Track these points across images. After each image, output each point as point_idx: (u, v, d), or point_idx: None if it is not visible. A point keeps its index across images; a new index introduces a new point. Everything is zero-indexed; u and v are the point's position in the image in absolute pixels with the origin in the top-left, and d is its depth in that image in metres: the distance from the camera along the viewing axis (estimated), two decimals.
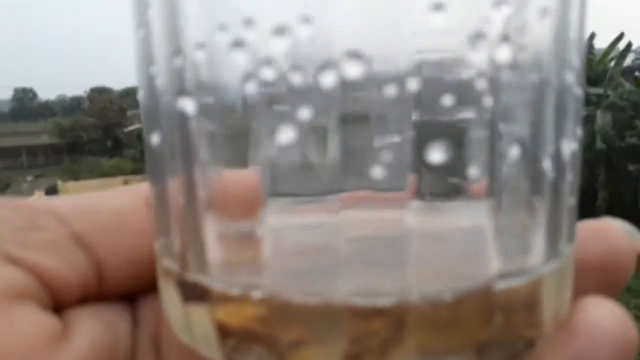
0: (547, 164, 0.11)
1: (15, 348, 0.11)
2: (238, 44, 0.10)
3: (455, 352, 0.11)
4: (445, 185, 0.10)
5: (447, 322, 0.10)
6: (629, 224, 0.13)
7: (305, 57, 0.10)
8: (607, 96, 4.78)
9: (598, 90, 4.81)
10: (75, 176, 12.80)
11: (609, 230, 0.13)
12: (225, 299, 0.11)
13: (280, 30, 0.10)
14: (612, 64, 5.11)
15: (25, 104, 38.40)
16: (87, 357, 0.12)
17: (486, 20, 0.10)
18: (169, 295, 0.13)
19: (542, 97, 0.11)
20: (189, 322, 0.12)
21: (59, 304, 0.13)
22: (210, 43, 0.11)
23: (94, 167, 14.62)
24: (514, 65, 0.10)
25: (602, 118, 4.64)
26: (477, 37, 0.10)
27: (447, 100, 0.10)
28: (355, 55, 0.10)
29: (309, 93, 0.10)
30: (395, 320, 0.10)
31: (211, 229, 0.11)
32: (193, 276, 0.11)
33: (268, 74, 0.10)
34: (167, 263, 0.12)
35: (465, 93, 0.10)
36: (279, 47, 0.10)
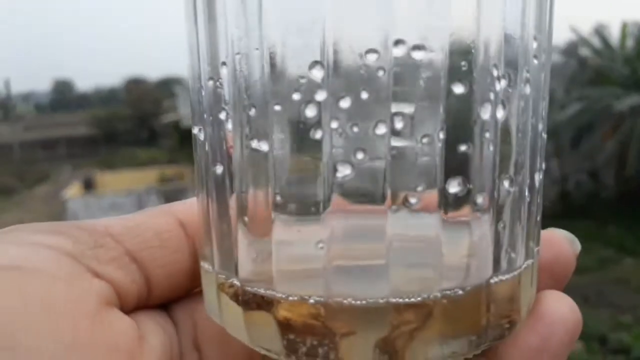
0: (526, 192, 0.15)
1: (118, 346, 0.14)
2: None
3: (464, 335, 0.14)
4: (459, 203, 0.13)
5: (459, 311, 0.14)
6: (569, 233, 0.18)
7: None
8: None
9: None
10: (112, 166, 13.00)
11: (554, 238, 0.17)
12: (286, 304, 0.14)
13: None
14: None
15: (64, 96, 39.35)
16: (162, 354, 0.15)
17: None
18: (225, 304, 0.15)
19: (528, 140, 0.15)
20: (250, 324, 0.14)
21: (124, 310, 0.15)
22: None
23: (130, 157, 14.85)
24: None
25: None
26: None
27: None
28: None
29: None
30: (423, 312, 0.13)
31: (274, 247, 0.14)
32: (255, 288, 0.14)
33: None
34: (224, 278, 0.15)
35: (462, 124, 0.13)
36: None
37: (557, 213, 4.92)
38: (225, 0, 0.13)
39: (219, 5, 0.14)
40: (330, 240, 0.13)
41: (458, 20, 0.12)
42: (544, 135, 0.16)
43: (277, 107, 0.13)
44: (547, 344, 0.16)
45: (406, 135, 0.13)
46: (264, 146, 0.13)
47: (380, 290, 0.13)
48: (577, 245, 0.18)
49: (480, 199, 0.13)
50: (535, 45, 0.14)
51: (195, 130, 0.15)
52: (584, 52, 5.28)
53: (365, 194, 0.13)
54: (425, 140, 0.13)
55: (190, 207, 0.17)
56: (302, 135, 0.13)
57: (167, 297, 0.17)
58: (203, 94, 0.15)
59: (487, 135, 0.13)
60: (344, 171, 0.13)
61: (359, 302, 0.13)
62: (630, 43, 5.04)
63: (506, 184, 0.14)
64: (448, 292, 0.13)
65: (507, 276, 0.14)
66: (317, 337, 0.13)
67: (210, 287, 0.16)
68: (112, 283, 0.15)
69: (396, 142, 0.13)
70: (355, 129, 0.13)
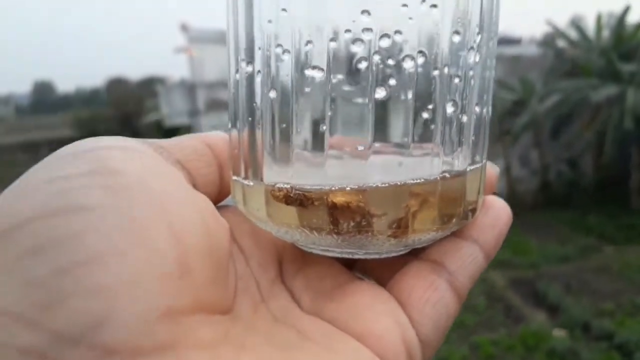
0: (469, 119, 0.20)
1: (207, 202, 0.19)
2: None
3: (452, 215, 0.20)
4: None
5: (447, 196, 0.19)
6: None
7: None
8: (639, 73, 4.56)
9: (630, 67, 4.58)
10: None
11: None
12: (336, 192, 0.18)
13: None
14: None
15: (44, 97, 38.75)
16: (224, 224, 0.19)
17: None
18: (275, 203, 0.19)
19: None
20: (302, 214, 0.19)
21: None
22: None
23: None
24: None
25: (634, 96, 4.43)
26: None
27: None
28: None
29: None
30: (423, 197, 0.19)
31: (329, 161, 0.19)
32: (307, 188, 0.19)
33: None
34: (279, 185, 0.19)
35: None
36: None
37: (539, 203, 4.98)
38: None
39: None
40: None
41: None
42: (491, 78, 0.21)
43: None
44: (496, 222, 0.22)
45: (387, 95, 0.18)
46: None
47: (402, 178, 0.19)
48: (497, 169, 0.24)
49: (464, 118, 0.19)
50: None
51: (242, 66, 0.20)
52: (561, 44, 5.32)
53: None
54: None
55: (212, 135, 0.22)
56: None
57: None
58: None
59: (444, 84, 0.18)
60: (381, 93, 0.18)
61: (385, 186, 0.18)
62: (606, 34, 5.10)
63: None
64: (444, 174, 0.19)
65: (476, 166, 0.21)
66: (357, 215, 0.18)
67: (256, 194, 0.20)
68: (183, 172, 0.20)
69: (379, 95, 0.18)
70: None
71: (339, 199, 0.18)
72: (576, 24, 5.27)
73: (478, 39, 0.19)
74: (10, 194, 0.16)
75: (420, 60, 0.18)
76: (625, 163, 4.91)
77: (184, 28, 9.13)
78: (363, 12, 0.17)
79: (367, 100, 0.18)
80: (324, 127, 0.18)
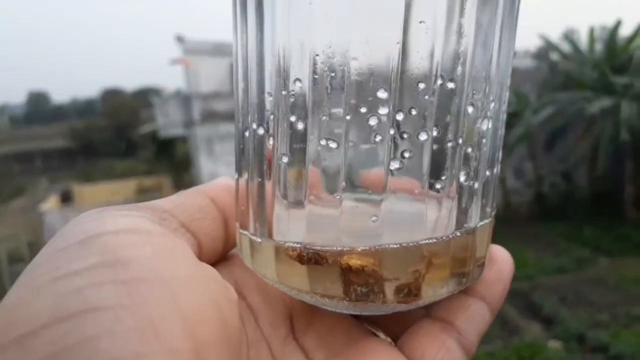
0: (487, 171, 0.20)
1: (215, 278, 0.18)
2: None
3: (463, 274, 0.20)
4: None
5: (459, 255, 0.19)
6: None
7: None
8: (633, 85, 4.59)
9: (623, 80, 4.62)
10: (89, 179, 12.81)
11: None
12: (351, 253, 0.18)
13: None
14: (638, 51, 4.91)
15: (39, 108, 38.70)
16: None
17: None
18: (284, 262, 0.19)
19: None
20: (312, 275, 0.19)
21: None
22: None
23: (108, 169, 14.65)
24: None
25: (628, 108, 4.46)
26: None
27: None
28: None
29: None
30: (434, 258, 0.18)
31: (340, 216, 0.18)
32: (320, 247, 0.18)
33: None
34: (289, 243, 0.19)
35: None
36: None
37: (534, 215, 4.98)
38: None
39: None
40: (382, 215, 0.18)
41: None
42: (502, 136, 0.21)
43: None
44: (501, 276, 0.23)
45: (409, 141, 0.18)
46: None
47: (416, 239, 0.18)
48: (509, 259, 0.24)
49: (476, 185, 0.19)
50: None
51: (253, 127, 0.20)
52: (555, 57, 5.36)
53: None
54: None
55: (214, 187, 0.22)
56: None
57: (209, 260, 0.21)
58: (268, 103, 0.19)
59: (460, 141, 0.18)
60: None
61: (396, 247, 0.18)
62: (598, 47, 5.14)
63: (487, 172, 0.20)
64: (456, 232, 0.19)
65: (486, 221, 0.20)
66: (370, 278, 0.18)
67: (265, 251, 0.20)
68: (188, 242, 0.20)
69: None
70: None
71: (354, 262, 0.18)
72: (569, 37, 5.31)
73: (491, 106, 0.19)
74: (23, 292, 0.16)
75: (435, 133, 0.18)
76: (619, 175, 4.93)
77: (180, 39, 9.15)
78: (380, 89, 0.17)
79: (382, 171, 0.18)
80: (339, 196, 0.18)
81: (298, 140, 0.18)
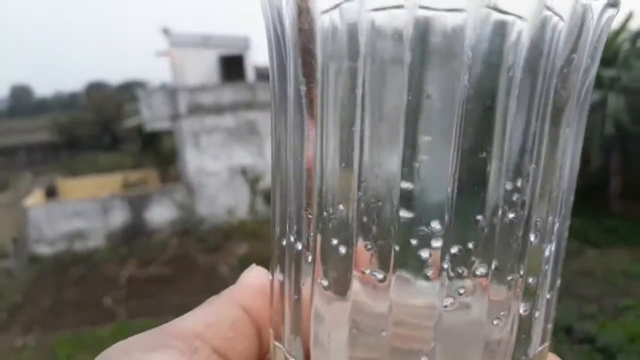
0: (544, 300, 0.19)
1: None
2: None
3: None
4: None
5: None
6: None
7: None
8: (620, 79, 4.61)
9: (610, 72, 4.64)
10: (74, 172, 12.67)
11: None
12: None
13: None
14: (625, 44, 4.93)
15: (22, 101, 38.22)
16: None
17: None
18: None
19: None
20: None
21: None
22: None
23: (93, 163, 14.52)
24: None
25: (615, 102, 4.48)
26: None
27: None
28: None
29: None
30: None
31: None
32: None
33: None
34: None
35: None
36: None
37: None
38: None
39: None
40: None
41: None
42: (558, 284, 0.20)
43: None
44: None
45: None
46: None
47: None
48: None
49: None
50: None
51: (291, 239, 0.19)
52: None
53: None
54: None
55: (246, 291, 0.22)
56: None
57: None
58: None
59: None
60: None
61: None
62: None
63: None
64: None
65: (544, 345, 0.19)
66: None
67: None
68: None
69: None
70: None
71: None
72: None
73: (555, 228, 0.18)
74: None
75: (492, 267, 0.16)
76: (605, 168, 4.98)
77: (166, 31, 9.05)
78: (434, 220, 0.16)
79: (433, 311, 0.16)
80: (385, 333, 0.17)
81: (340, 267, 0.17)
